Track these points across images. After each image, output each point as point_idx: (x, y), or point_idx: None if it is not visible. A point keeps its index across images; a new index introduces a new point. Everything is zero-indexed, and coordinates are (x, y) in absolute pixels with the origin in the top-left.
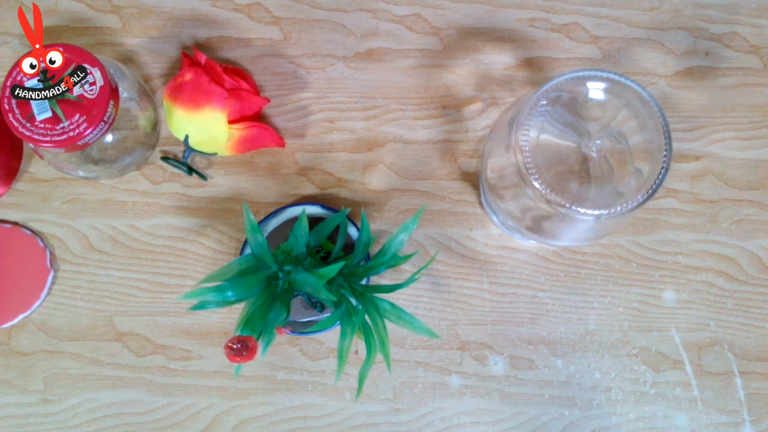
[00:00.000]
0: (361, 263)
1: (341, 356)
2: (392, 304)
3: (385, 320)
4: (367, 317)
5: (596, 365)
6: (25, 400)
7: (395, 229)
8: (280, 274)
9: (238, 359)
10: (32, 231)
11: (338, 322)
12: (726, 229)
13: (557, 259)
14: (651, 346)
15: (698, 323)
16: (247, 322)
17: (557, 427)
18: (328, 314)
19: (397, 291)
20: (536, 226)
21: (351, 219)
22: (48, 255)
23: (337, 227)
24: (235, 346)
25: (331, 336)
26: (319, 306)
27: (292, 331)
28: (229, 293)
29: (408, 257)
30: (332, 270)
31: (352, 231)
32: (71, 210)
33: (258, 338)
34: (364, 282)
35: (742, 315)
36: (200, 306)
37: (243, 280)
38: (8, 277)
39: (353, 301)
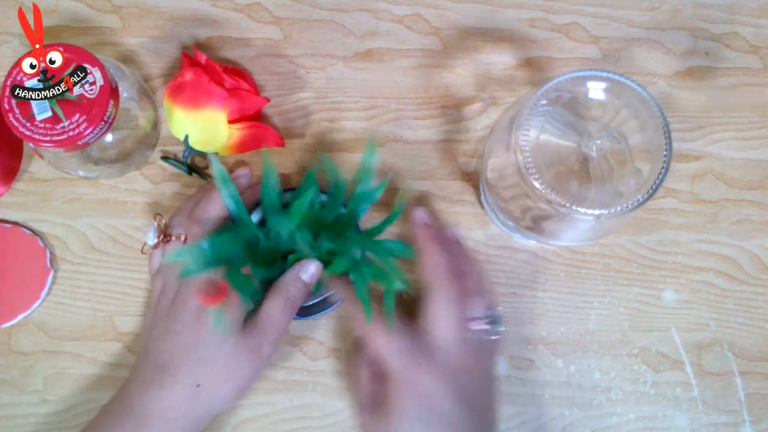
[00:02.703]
0: (344, 211)
1: (365, 302)
2: (393, 241)
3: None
4: (371, 257)
5: (596, 365)
6: (25, 400)
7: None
8: (261, 234)
9: (210, 300)
10: (32, 231)
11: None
12: (726, 229)
13: (557, 259)
14: (651, 346)
15: (698, 323)
16: (229, 276)
17: (557, 427)
18: (331, 292)
19: None
20: (536, 226)
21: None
22: (48, 255)
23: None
24: (204, 290)
25: (331, 336)
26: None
27: (305, 316)
28: (207, 249)
29: (383, 184)
30: (301, 205)
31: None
32: (71, 210)
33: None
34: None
35: (742, 315)
36: (185, 272)
37: (221, 237)
38: (8, 277)
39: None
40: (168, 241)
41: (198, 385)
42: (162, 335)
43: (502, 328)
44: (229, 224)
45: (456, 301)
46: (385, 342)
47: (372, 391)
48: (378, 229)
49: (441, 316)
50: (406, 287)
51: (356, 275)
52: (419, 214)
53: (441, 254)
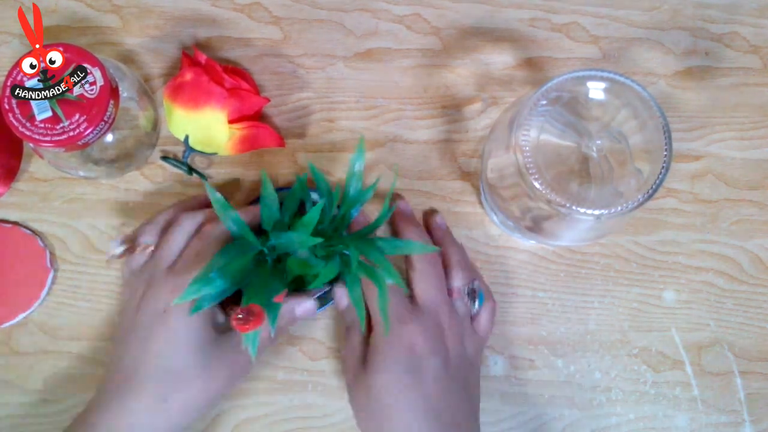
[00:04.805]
0: (335, 214)
1: (358, 305)
2: (383, 239)
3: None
4: (364, 259)
5: (596, 365)
6: (25, 400)
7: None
8: (266, 250)
9: (248, 327)
10: (32, 231)
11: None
12: (726, 229)
13: (557, 259)
14: (651, 346)
15: (698, 323)
16: (247, 301)
17: (557, 427)
18: (328, 289)
19: None
20: (536, 226)
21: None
22: (48, 255)
23: (308, 204)
24: (241, 316)
25: (331, 335)
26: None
27: None
28: (219, 282)
29: (373, 185)
30: (312, 217)
31: (317, 198)
32: (71, 210)
33: None
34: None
35: (742, 315)
36: (198, 306)
37: (229, 266)
38: (8, 277)
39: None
40: (133, 251)
41: (165, 400)
42: (127, 344)
43: (479, 306)
44: (232, 244)
45: (436, 265)
46: (375, 299)
47: (361, 352)
48: (369, 229)
49: (423, 279)
50: (400, 285)
51: (349, 278)
52: (402, 206)
53: (421, 233)
